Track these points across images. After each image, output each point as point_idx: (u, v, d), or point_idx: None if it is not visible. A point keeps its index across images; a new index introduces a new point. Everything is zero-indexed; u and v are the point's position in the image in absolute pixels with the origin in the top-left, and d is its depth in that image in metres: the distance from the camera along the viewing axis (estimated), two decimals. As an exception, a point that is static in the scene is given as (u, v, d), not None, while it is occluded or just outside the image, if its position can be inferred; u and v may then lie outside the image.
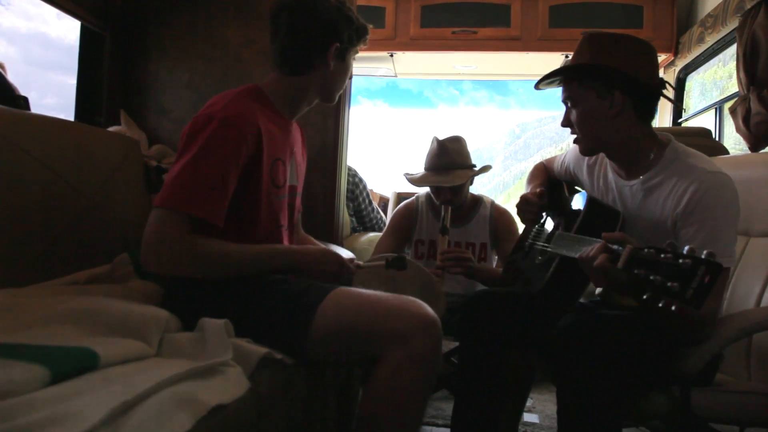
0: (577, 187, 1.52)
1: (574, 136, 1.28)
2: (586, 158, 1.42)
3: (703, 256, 0.79)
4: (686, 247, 0.81)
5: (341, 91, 1.32)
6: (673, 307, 0.81)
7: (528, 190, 1.57)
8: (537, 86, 1.33)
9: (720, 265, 0.79)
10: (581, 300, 1.44)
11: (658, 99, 1.22)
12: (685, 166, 1.16)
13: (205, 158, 1.04)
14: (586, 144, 1.26)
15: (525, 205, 1.44)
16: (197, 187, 1.03)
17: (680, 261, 0.80)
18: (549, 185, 1.55)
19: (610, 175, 1.33)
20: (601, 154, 1.36)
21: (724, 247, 1.08)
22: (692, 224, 1.11)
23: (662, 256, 0.83)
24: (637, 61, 1.18)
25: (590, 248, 1.02)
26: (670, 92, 1.23)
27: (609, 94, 1.18)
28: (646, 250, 0.86)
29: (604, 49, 1.20)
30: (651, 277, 0.83)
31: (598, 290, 1.44)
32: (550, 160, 1.62)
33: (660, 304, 0.82)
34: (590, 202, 1.29)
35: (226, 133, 1.05)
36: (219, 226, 1.05)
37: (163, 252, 1.01)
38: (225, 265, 1.07)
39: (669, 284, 0.80)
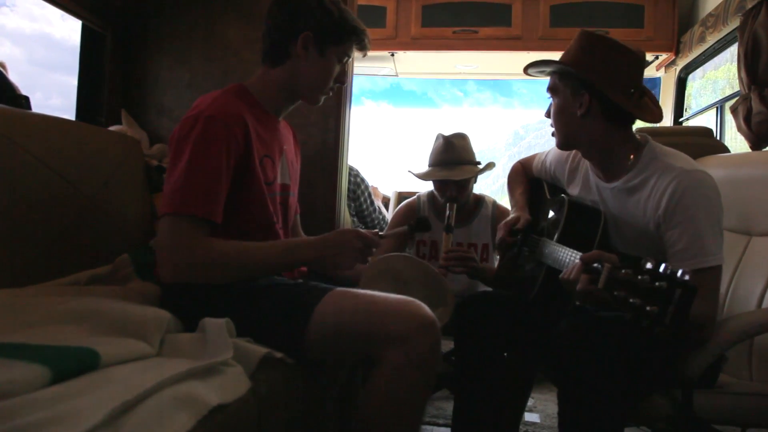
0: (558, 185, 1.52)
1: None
2: (569, 161, 1.42)
3: (678, 275, 0.77)
4: (663, 266, 0.79)
5: (324, 93, 1.27)
6: (656, 330, 0.80)
7: (511, 198, 1.57)
8: (526, 70, 1.35)
9: (695, 288, 0.77)
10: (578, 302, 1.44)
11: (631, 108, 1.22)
12: (662, 165, 1.16)
13: (198, 159, 1.04)
14: (559, 138, 1.29)
15: (501, 246, 1.45)
16: (194, 188, 1.02)
17: (656, 284, 0.78)
18: (530, 187, 1.56)
19: (591, 177, 1.33)
20: (582, 159, 1.36)
21: (709, 245, 1.08)
22: (675, 226, 1.11)
23: (639, 277, 0.81)
24: (610, 69, 1.19)
25: (570, 269, 1.01)
26: (648, 104, 1.24)
27: (579, 94, 1.21)
28: (623, 270, 0.84)
29: (585, 50, 1.22)
30: (630, 300, 0.81)
31: None
32: (528, 159, 1.63)
33: (643, 326, 0.81)
34: (570, 206, 1.29)
35: (214, 131, 1.05)
36: (218, 222, 1.05)
37: (178, 260, 1.01)
38: (244, 266, 1.07)
39: (648, 308, 0.79)
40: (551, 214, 1.40)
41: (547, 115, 1.31)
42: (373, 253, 1.19)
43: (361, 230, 1.18)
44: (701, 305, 1.05)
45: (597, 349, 1.04)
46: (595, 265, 0.92)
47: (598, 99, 1.19)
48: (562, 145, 1.31)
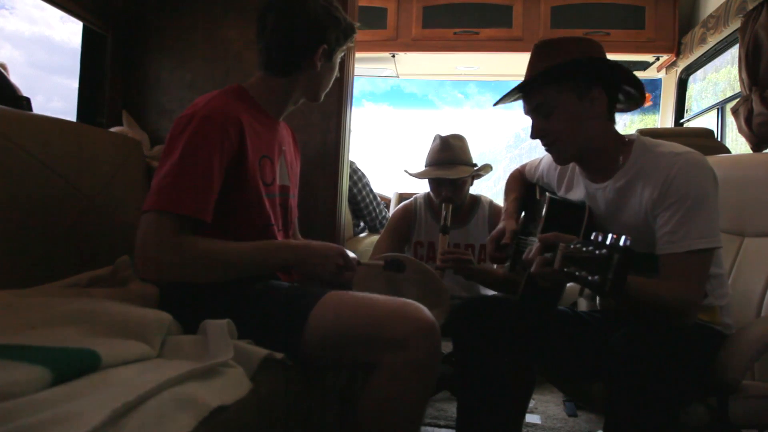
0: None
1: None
2: (558, 168, 1.39)
3: (621, 242, 0.74)
4: (610, 236, 0.76)
5: (327, 90, 1.31)
6: (598, 302, 0.78)
7: (504, 203, 1.56)
8: (497, 104, 1.29)
9: (632, 250, 0.73)
10: (583, 309, 1.43)
11: (633, 91, 1.21)
12: (653, 156, 1.14)
13: (188, 157, 1.03)
14: (569, 151, 1.20)
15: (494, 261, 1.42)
16: (182, 185, 1.02)
17: (597, 252, 0.76)
18: (524, 192, 1.54)
19: (582, 182, 1.30)
20: (571, 164, 1.33)
21: (701, 227, 1.05)
22: (668, 208, 1.09)
23: (584, 249, 0.79)
24: (600, 52, 1.17)
25: (528, 250, 0.99)
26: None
27: (588, 92, 1.16)
28: (572, 246, 0.83)
29: (564, 48, 1.17)
30: (577, 274, 0.79)
31: (599, 301, 1.43)
32: (525, 165, 1.62)
33: (597, 301, 0.80)
34: (550, 202, 1.24)
35: (207, 129, 1.05)
36: (206, 220, 1.04)
37: (157, 257, 1.00)
38: (223, 264, 1.06)
39: (590, 278, 0.76)
40: (541, 214, 1.39)
41: (537, 135, 1.21)
42: (348, 277, 1.18)
43: (346, 251, 1.17)
44: (681, 289, 1.04)
45: (652, 360, 0.99)
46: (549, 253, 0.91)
47: (607, 90, 1.16)
48: (569, 158, 1.22)
